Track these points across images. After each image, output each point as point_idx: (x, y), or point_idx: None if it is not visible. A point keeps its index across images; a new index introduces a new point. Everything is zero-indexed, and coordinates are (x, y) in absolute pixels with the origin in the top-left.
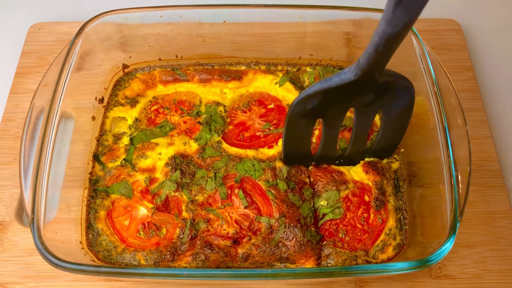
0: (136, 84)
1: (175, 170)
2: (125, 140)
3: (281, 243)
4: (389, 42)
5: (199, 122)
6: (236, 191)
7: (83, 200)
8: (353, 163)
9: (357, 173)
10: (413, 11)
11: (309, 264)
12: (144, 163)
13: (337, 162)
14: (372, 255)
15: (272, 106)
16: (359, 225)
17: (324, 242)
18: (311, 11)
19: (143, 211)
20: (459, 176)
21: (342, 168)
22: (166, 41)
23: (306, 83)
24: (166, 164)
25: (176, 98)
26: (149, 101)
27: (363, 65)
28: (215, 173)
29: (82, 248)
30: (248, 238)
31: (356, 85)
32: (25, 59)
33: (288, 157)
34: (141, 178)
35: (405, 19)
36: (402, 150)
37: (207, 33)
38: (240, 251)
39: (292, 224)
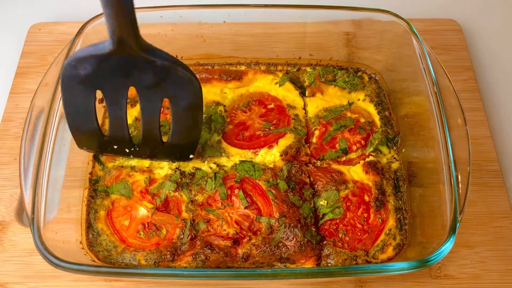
0: None
1: (175, 170)
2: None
3: (281, 243)
4: None
5: None
6: (236, 191)
7: (83, 200)
8: (152, 157)
9: (357, 173)
10: None
11: (309, 264)
12: (144, 163)
13: (132, 149)
14: (372, 255)
15: (272, 106)
16: (359, 225)
17: (324, 242)
18: (311, 11)
19: (143, 211)
20: (459, 176)
21: (342, 168)
22: (166, 41)
23: (306, 83)
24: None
25: None
26: None
27: (109, 30)
28: (215, 173)
29: (82, 248)
30: (248, 238)
31: (124, 60)
32: (25, 59)
33: (77, 137)
34: (140, 178)
35: None
36: (403, 150)
37: (207, 33)
38: (240, 251)
39: (292, 224)
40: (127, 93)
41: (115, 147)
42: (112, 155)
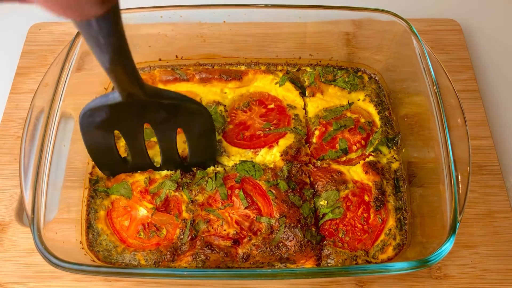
0: None
1: (176, 170)
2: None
3: (281, 243)
4: (105, 59)
5: None
6: (236, 191)
7: (83, 200)
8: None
9: (357, 173)
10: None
11: (309, 264)
12: None
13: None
14: (372, 255)
15: (272, 106)
16: (359, 225)
17: (324, 242)
18: (311, 11)
19: (143, 211)
20: (459, 176)
21: (342, 168)
22: (166, 41)
23: (306, 83)
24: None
25: None
26: None
27: (116, 87)
28: (215, 173)
29: (82, 248)
30: (248, 238)
31: (136, 105)
32: (25, 59)
33: (103, 167)
34: (140, 178)
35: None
36: (403, 150)
37: (207, 33)
38: (241, 251)
39: (292, 224)
40: (143, 129)
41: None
42: None
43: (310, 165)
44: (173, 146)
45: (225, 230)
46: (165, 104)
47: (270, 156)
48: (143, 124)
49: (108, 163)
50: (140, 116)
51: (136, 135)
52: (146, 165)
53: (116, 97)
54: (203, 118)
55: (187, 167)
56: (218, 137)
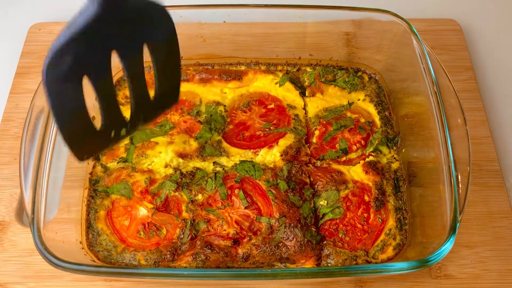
0: None
1: (175, 170)
2: (125, 139)
3: (281, 243)
4: None
5: (199, 121)
6: (236, 191)
7: (83, 200)
8: (146, 120)
9: (357, 173)
10: None
11: (309, 264)
12: (144, 163)
13: (128, 126)
14: (372, 255)
15: (272, 106)
16: (359, 225)
17: (324, 242)
18: (311, 11)
19: (143, 211)
20: (459, 176)
21: (342, 168)
22: None
23: (306, 83)
24: (166, 165)
25: None
26: None
27: None
28: (215, 173)
29: (82, 248)
30: (248, 238)
31: (107, 20)
32: (25, 59)
33: (74, 144)
34: (141, 178)
35: None
36: (403, 150)
37: (207, 33)
38: (240, 251)
39: (292, 224)
40: (110, 64)
41: (112, 134)
42: (111, 149)
43: (310, 165)
44: (141, 74)
45: (225, 230)
46: (134, 12)
47: (270, 156)
48: (110, 53)
49: (81, 135)
50: (108, 40)
51: (104, 74)
52: (118, 120)
53: (91, 11)
54: (166, 19)
55: (154, 104)
56: (218, 137)
